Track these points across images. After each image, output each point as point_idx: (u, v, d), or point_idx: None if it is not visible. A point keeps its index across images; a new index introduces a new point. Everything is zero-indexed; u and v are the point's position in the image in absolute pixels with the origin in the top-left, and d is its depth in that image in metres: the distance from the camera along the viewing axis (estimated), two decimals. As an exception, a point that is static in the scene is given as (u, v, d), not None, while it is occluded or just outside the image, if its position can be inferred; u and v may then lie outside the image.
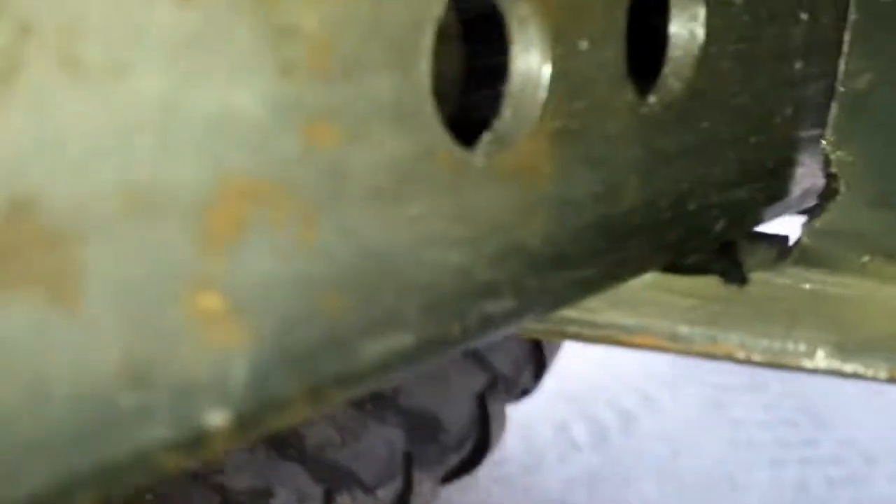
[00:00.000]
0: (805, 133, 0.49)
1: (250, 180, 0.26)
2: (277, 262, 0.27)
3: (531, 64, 0.34)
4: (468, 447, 1.53)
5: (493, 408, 1.55)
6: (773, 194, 0.48)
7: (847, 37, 0.48)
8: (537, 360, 1.63)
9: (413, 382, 1.47)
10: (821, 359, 0.35)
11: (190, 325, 0.25)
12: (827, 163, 0.48)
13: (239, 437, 0.28)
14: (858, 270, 0.45)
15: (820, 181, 0.49)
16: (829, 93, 0.49)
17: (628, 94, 0.38)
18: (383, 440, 1.42)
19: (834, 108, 0.49)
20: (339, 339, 0.29)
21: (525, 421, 1.78)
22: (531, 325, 0.40)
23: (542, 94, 0.34)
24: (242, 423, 0.27)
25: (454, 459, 1.54)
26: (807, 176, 0.50)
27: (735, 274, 0.44)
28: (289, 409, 0.28)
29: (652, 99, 0.40)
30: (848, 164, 0.48)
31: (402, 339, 0.31)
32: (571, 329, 0.40)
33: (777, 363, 0.36)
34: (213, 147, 0.25)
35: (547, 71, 0.34)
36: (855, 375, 0.35)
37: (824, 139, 0.48)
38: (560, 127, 0.35)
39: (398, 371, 0.32)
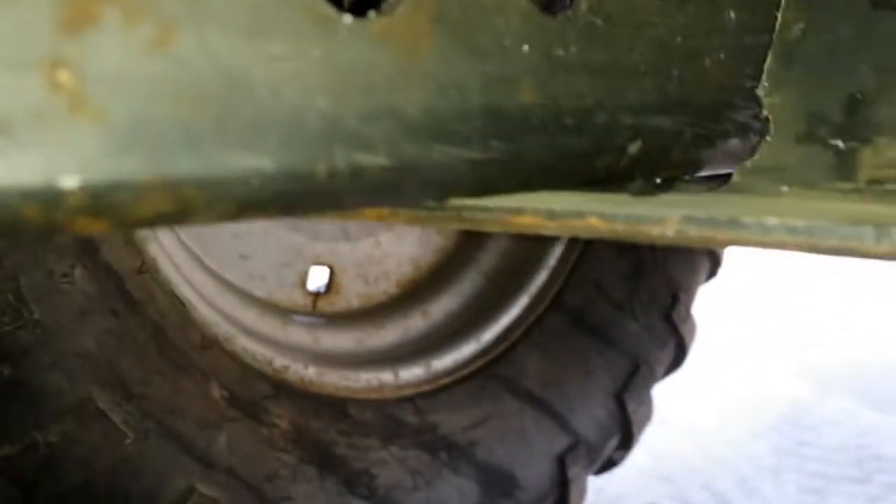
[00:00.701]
0: (742, 81, 0.51)
1: (107, -16, 0.32)
2: (130, 59, 0.32)
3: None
4: (545, 510, 1.51)
5: (573, 471, 1.53)
6: (707, 135, 0.50)
7: (785, -9, 0.51)
8: (624, 429, 1.61)
9: (490, 437, 1.48)
10: (669, 227, 0.37)
11: (44, 93, 0.31)
12: (760, 107, 0.50)
13: (94, 208, 0.33)
14: (776, 197, 0.47)
15: (758, 127, 0.51)
16: (767, 46, 0.51)
17: (519, -2, 0.42)
18: (456, 490, 1.42)
19: (770, 57, 0.51)
20: (193, 142, 0.34)
21: (614, 496, 1.74)
22: (428, 211, 0.43)
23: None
24: (95, 193, 0.32)
25: (530, 521, 1.52)
26: (749, 126, 0.52)
27: (646, 192, 0.46)
28: (143, 194, 0.33)
29: (556, 13, 0.44)
30: (779, 106, 0.50)
31: (262, 162, 0.36)
32: (466, 214, 0.43)
33: (632, 232, 0.38)
34: (71, -52, 0.31)
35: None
36: (699, 240, 0.37)
37: (760, 87, 0.50)
38: (441, 12, 0.40)
39: (264, 199, 0.36)
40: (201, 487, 1.20)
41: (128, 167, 0.33)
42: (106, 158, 0.32)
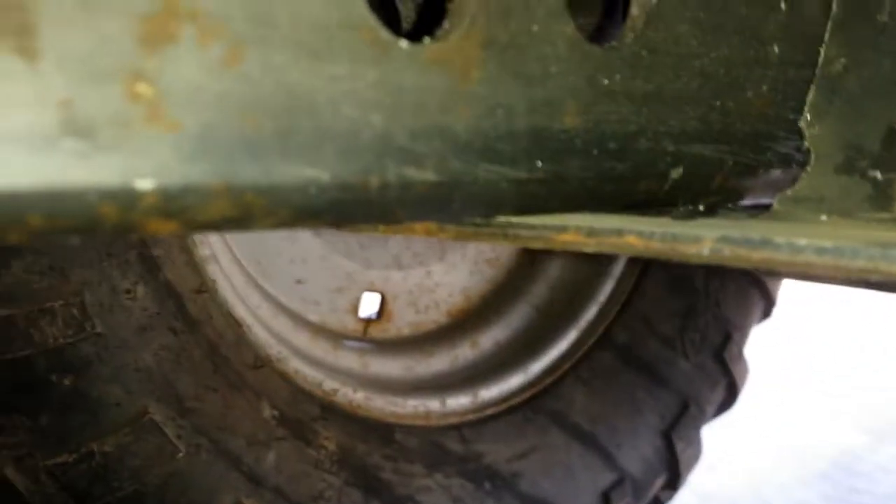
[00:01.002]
0: (785, 113, 0.53)
1: (187, 5, 0.35)
2: (203, 75, 0.35)
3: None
4: (588, 545, 1.51)
5: (617, 508, 1.52)
6: (749, 164, 0.51)
7: (828, 28, 0.53)
8: (671, 468, 1.60)
9: (535, 469, 1.48)
10: (705, 246, 0.38)
11: (125, 103, 0.34)
12: (802, 138, 0.52)
13: (165, 210, 0.35)
14: (814, 224, 0.48)
15: (800, 159, 0.52)
16: (810, 80, 0.53)
17: (567, 27, 0.44)
18: (498, 520, 1.43)
19: (812, 91, 0.53)
20: (257, 152, 0.37)
21: (658, 535, 1.71)
22: (475, 227, 0.45)
23: (474, 8, 0.42)
24: (168, 196, 0.35)
25: (572, 556, 1.51)
26: (791, 157, 0.53)
27: (686, 217, 0.48)
28: (211, 198, 0.36)
29: (602, 43, 0.46)
30: (820, 138, 0.51)
31: (319, 173, 0.38)
32: (511, 231, 0.45)
33: (668, 251, 0.39)
34: (154, -28, 0.34)
35: (479, -10, 0.42)
36: (733, 259, 0.38)
37: (802, 119, 0.52)
38: (491, 39, 0.42)
39: (320, 208, 0.39)
40: (249, 504, 1.22)
41: (198, 173, 0.35)
42: (178, 165, 0.35)
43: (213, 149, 0.36)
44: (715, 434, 1.63)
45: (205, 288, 1.25)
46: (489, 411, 1.51)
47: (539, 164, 0.44)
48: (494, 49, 0.42)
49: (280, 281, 1.50)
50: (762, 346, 1.85)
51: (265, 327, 1.37)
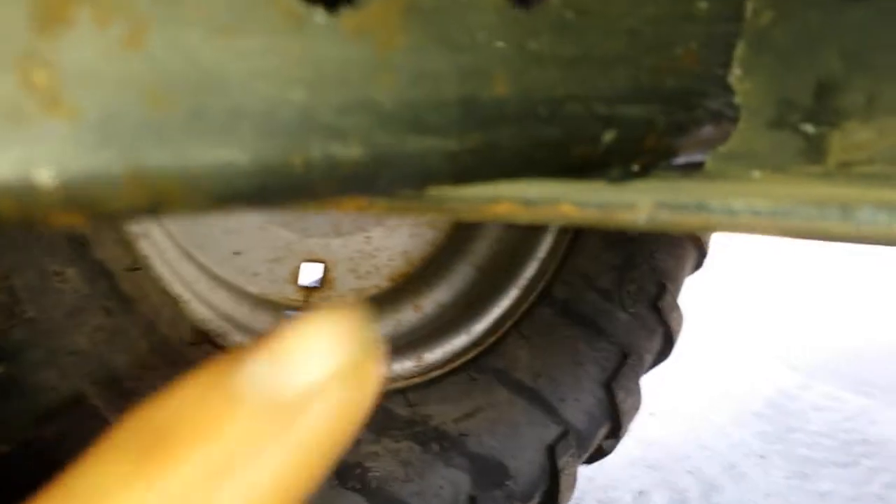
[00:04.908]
0: (714, 69, 0.52)
1: (81, -16, 0.32)
2: (104, 58, 0.33)
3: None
4: (536, 499, 1.52)
5: (563, 461, 1.54)
6: (680, 123, 0.51)
7: (756, -19, 0.52)
8: (613, 418, 1.62)
9: (481, 428, 1.49)
10: (641, 213, 0.37)
11: (19, 92, 0.32)
12: (732, 94, 0.51)
13: (69, 201, 0.33)
14: (747, 182, 0.48)
15: (731, 114, 0.52)
16: (738, 34, 0.52)
17: (489, -9, 0.43)
18: (448, 481, 1.44)
19: (741, 45, 0.52)
20: (166, 136, 0.35)
21: (604, 484, 1.75)
22: (406, 201, 0.44)
23: (391, -26, 0.40)
24: (69, 187, 0.33)
25: (521, 510, 1.53)
26: (722, 113, 0.53)
27: (624, 179, 0.47)
28: (118, 187, 0.34)
29: (529, 6, 0.45)
30: (750, 93, 0.50)
31: (236, 155, 0.36)
32: (447, 205, 0.44)
33: (604, 219, 0.39)
34: (45, -50, 0.31)
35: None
36: (670, 225, 0.37)
37: (731, 74, 0.51)
38: (413, 5, 0.40)
39: (239, 190, 0.37)
40: (195, 482, 1.20)
41: (102, 161, 0.33)
42: (80, 154, 0.33)
43: (118, 135, 0.34)
44: (654, 382, 1.65)
45: (137, 265, 1.21)
46: (434, 373, 1.51)
47: (470, 133, 0.43)
48: (417, 15, 0.41)
49: (216, 253, 1.47)
50: (694, 294, 1.88)
51: (203, 302, 1.35)
